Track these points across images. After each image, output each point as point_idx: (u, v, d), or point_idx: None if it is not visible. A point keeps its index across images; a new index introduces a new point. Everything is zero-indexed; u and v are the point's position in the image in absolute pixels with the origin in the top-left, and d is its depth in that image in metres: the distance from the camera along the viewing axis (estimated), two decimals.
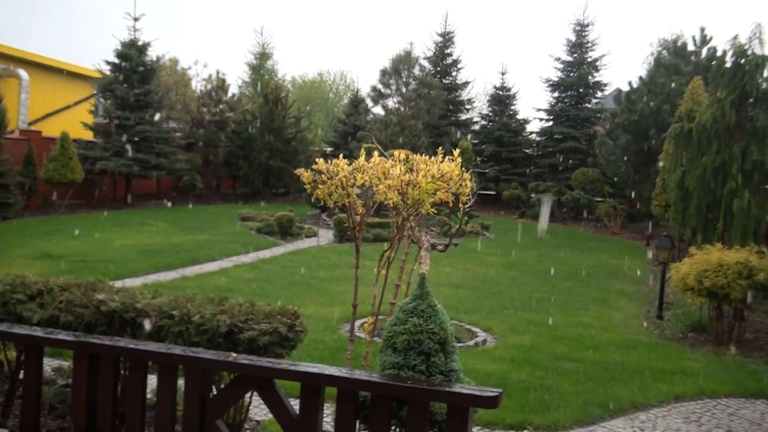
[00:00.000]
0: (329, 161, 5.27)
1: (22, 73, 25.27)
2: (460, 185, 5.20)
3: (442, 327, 4.29)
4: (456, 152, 5.36)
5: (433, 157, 5.28)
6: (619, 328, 11.00)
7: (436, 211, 5.40)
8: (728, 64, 13.58)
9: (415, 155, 5.36)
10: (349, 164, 5.24)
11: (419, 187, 4.85)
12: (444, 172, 5.00)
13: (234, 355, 4.41)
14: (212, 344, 4.79)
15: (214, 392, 4.67)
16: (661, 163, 18.53)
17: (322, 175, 5.16)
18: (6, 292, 5.45)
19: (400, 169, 4.95)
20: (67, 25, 73.81)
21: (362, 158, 5.23)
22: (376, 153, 5.40)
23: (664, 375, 8.43)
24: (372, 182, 5.09)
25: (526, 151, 33.06)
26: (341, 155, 5.51)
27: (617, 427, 6.77)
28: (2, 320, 5.34)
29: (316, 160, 5.31)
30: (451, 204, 5.29)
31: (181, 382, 4.56)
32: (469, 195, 5.33)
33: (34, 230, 17.70)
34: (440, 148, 5.65)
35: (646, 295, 13.78)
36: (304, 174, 5.30)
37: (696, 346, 10.13)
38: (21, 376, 5.34)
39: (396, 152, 5.30)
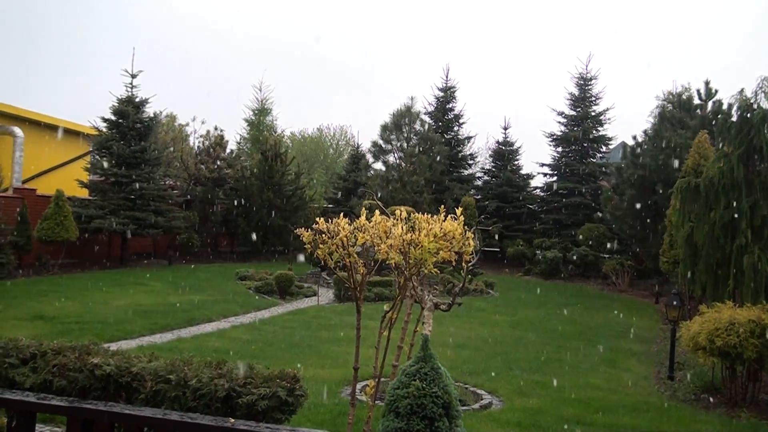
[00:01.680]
0: (330, 220, 5.32)
1: (17, 130, 25.49)
2: (463, 244, 5.24)
3: (446, 390, 4.29)
4: (459, 209, 5.42)
5: (435, 216, 5.33)
6: (629, 389, 10.87)
7: (438, 270, 5.42)
8: (734, 118, 13.68)
9: (416, 213, 5.41)
10: (350, 223, 5.29)
11: (421, 247, 4.89)
12: (446, 230, 5.05)
13: (232, 420, 4.38)
14: (210, 409, 4.78)
15: None
16: (668, 219, 18.57)
17: (323, 235, 5.20)
18: None
19: (402, 228, 5.00)
20: (63, 82, 74.77)
21: (363, 217, 5.28)
22: (377, 211, 5.44)
23: None
24: (373, 241, 5.14)
25: (531, 206, 33.06)
26: (342, 213, 5.56)
27: None
28: None
29: (317, 219, 5.36)
30: (454, 262, 5.32)
31: None
32: (472, 253, 5.37)
33: (27, 291, 17.66)
34: (443, 205, 5.70)
35: (656, 355, 13.67)
36: (304, 233, 5.35)
37: (709, 408, 10.01)
38: None
39: (398, 210, 5.35)
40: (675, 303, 12.10)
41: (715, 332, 9.65)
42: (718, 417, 9.50)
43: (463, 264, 5.33)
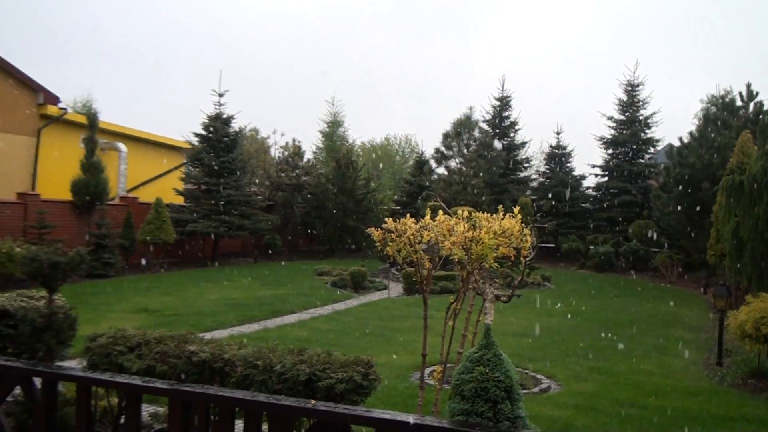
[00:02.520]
0: (398, 220, 5.31)
1: (121, 146, 26.21)
2: (521, 240, 5.18)
3: (508, 375, 4.23)
4: (516, 209, 5.35)
5: (494, 214, 5.28)
6: (679, 374, 10.59)
7: (498, 265, 5.37)
8: None
9: (477, 213, 5.36)
10: (416, 223, 5.28)
11: (482, 243, 4.85)
12: (505, 228, 4.99)
13: (313, 402, 4.41)
14: (292, 392, 4.82)
15: None
16: (715, 215, 18.09)
17: (392, 234, 5.20)
18: (108, 345, 5.60)
19: (464, 226, 4.96)
20: (160, 101, 76.60)
21: (428, 217, 5.26)
22: (440, 211, 5.42)
23: (725, 422, 8.08)
24: (438, 239, 5.11)
25: (584, 205, 32.52)
26: (408, 214, 5.55)
27: None
28: (105, 370, 5.48)
29: (386, 219, 5.36)
30: (513, 257, 5.26)
31: (265, 426, 4.59)
32: (529, 249, 5.30)
33: (132, 287, 18.14)
34: (501, 205, 5.65)
35: (705, 342, 13.28)
36: (375, 232, 5.36)
37: (756, 392, 9.67)
38: (122, 420, 5.45)
39: (460, 210, 5.32)
40: (722, 294, 11.80)
41: (761, 321, 9.41)
42: (763, 401, 9.18)
43: (522, 259, 5.26)
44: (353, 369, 4.87)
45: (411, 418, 4.15)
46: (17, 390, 5.74)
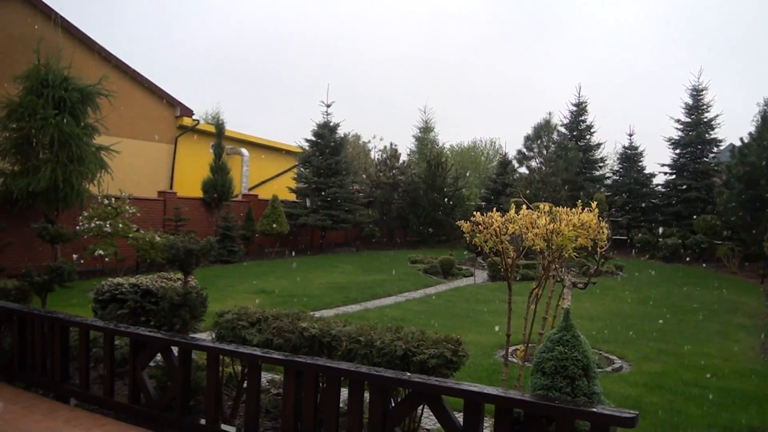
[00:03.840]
0: (484, 214, 5.24)
1: (244, 150, 27.00)
2: (598, 232, 5.01)
3: (585, 355, 4.12)
4: (593, 204, 5.19)
5: (573, 209, 5.13)
6: (738, 358, 10.06)
7: (576, 254, 5.22)
8: None
9: (557, 207, 5.23)
10: (502, 216, 5.19)
11: (562, 235, 4.72)
12: (583, 221, 4.84)
13: (408, 374, 4.41)
14: (390, 365, 4.82)
15: (393, 404, 4.68)
16: None
17: (479, 226, 5.12)
18: (234, 320, 5.77)
19: (546, 219, 4.84)
20: (277, 112, 78.49)
21: (512, 211, 5.16)
22: (524, 206, 5.31)
23: None
24: (521, 231, 5.00)
25: (653, 201, 31.38)
26: (494, 209, 5.45)
27: None
28: (231, 342, 5.65)
29: (474, 213, 5.29)
30: (589, 248, 5.10)
31: (366, 395, 4.62)
32: (605, 240, 5.13)
33: (253, 271, 18.63)
34: (579, 201, 5.49)
35: (763, 329, 12.53)
36: (464, 225, 5.29)
37: None
38: (244, 385, 5.60)
39: (541, 205, 5.19)
40: None
41: None
42: None
43: (598, 249, 5.09)
44: (444, 346, 4.84)
45: (496, 391, 4.09)
46: (158, 357, 6.00)
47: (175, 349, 5.68)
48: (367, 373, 4.49)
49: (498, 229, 4.97)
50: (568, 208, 5.18)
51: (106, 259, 16.24)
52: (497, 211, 5.32)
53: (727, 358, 9.97)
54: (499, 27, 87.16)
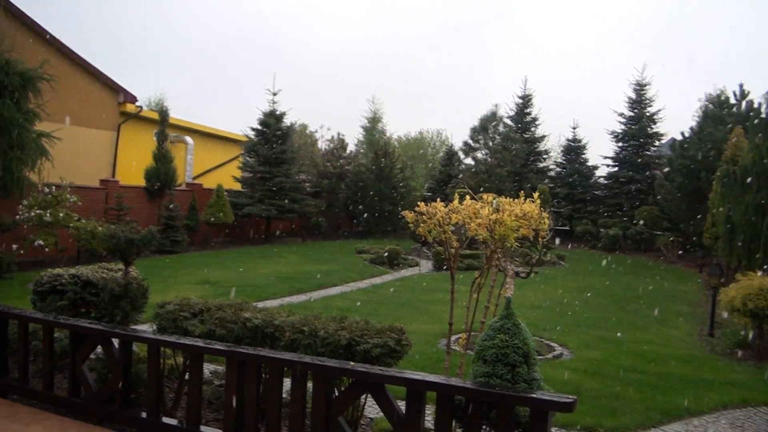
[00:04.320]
0: (429, 204, 5.26)
1: (188, 139, 26.47)
2: (540, 222, 5.10)
3: (525, 342, 4.18)
4: (536, 195, 5.27)
5: (516, 199, 5.20)
6: (676, 343, 10.46)
7: (519, 244, 5.29)
8: (764, 115, 12.99)
9: (500, 198, 5.29)
10: (446, 206, 5.22)
11: (505, 225, 4.78)
12: (526, 211, 4.91)
13: (352, 363, 4.42)
14: (334, 354, 4.82)
15: (336, 394, 4.68)
16: (711, 201, 17.78)
17: (423, 216, 5.14)
18: (175, 311, 5.67)
19: (489, 210, 4.89)
20: (221, 99, 77.26)
21: (456, 201, 5.20)
22: (467, 196, 5.35)
23: (714, 386, 7.99)
24: (464, 221, 5.05)
25: (596, 192, 32.08)
26: (438, 199, 5.48)
27: (674, 431, 6.44)
28: (172, 333, 5.55)
29: (418, 203, 5.31)
30: (531, 238, 5.18)
31: (309, 385, 4.60)
32: (546, 230, 5.21)
33: (197, 262, 18.34)
34: (522, 192, 5.56)
35: (699, 316, 13.06)
36: (408, 215, 5.31)
37: (741, 360, 9.59)
38: (186, 377, 5.52)
39: (486, 196, 5.25)
40: (716, 272, 11.67)
41: (748, 297, 9.30)
42: (748, 368, 9.09)
43: (539, 239, 5.18)
44: (388, 335, 4.86)
45: (438, 379, 4.13)
46: (99, 349, 5.86)
47: (115, 341, 5.56)
48: (310, 363, 4.48)
49: (441, 219, 5.00)
50: (512, 199, 5.24)
51: (47, 249, 15.73)
52: (442, 201, 5.36)
53: (665, 344, 10.34)
54: (445, 20, 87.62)
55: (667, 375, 8.36)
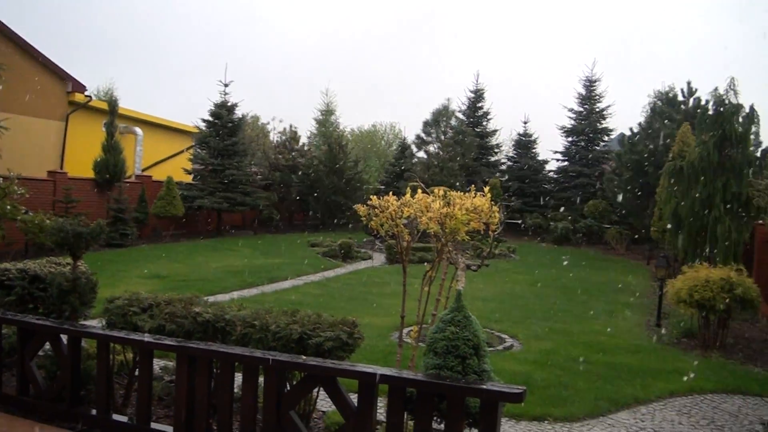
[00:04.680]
0: (381, 198, 5.28)
1: (138, 129, 25.92)
2: (490, 216, 5.16)
3: (476, 334, 4.24)
4: (487, 189, 5.33)
5: (467, 193, 5.26)
6: (624, 334, 10.72)
7: (470, 237, 5.35)
8: (710, 112, 13.37)
9: (452, 191, 5.33)
10: (398, 200, 5.24)
11: (455, 218, 4.83)
12: (476, 205, 4.97)
13: (304, 357, 4.42)
14: (286, 348, 4.80)
15: (288, 388, 4.67)
16: (658, 196, 18.26)
17: (376, 209, 5.16)
18: (124, 306, 5.57)
19: (440, 203, 4.93)
20: (173, 90, 75.81)
21: (408, 195, 5.23)
22: (419, 190, 5.39)
23: (662, 374, 8.23)
24: (416, 214, 5.08)
25: (546, 186, 32.67)
26: (391, 192, 5.51)
27: (622, 419, 6.63)
28: (122, 328, 5.45)
29: (371, 197, 5.32)
30: (482, 231, 5.24)
31: (261, 379, 4.58)
32: (497, 224, 5.28)
33: (146, 255, 18.02)
34: (473, 185, 5.62)
35: (647, 307, 13.41)
36: (360, 209, 5.32)
37: (687, 349, 9.87)
38: (136, 373, 5.43)
39: (437, 189, 5.29)
40: (662, 264, 12.00)
41: (694, 288, 9.56)
42: (694, 357, 9.37)
43: (490, 233, 5.25)
44: (340, 329, 4.87)
45: (390, 371, 4.16)
46: (47, 346, 5.72)
47: (64, 338, 5.44)
48: (261, 358, 4.45)
49: (394, 212, 5.02)
50: (463, 193, 5.30)
51: None
52: (395, 194, 5.38)
53: (613, 335, 10.59)
54: (399, 15, 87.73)
55: (615, 365, 8.57)
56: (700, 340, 10.19)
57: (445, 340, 4.19)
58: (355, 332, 4.89)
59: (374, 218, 5.18)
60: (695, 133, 15.42)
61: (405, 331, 6.91)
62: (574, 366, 8.41)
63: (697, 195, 12.70)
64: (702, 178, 12.69)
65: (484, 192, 5.23)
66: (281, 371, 4.48)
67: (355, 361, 4.76)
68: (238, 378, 4.68)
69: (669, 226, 13.90)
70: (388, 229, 5.18)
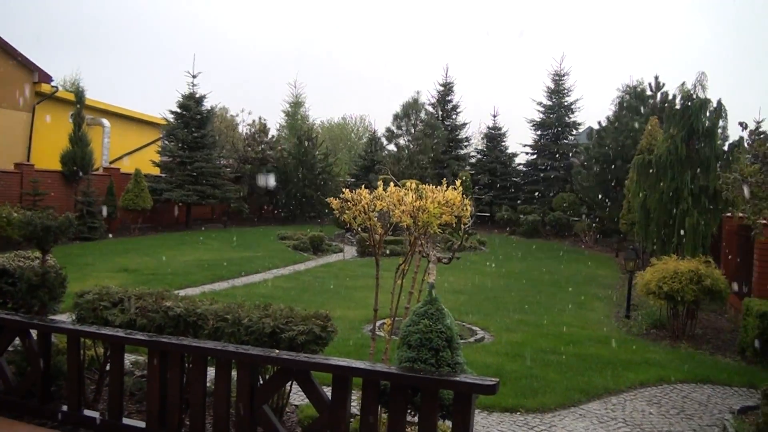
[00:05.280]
0: (353, 191, 5.27)
1: (105, 121, 25.48)
2: (462, 209, 5.19)
3: (448, 327, 4.26)
4: (458, 182, 5.36)
5: (439, 186, 5.28)
6: (594, 326, 10.83)
7: (441, 231, 5.37)
8: (678, 106, 13.55)
9: (424, 185, 5.35)
10: (370, 193, 5.24)
11: (428, 212, 4.84)
12: (448, 198, 4.99)
13: (277, 351, 4.40)
14: (259, 342, 4.78)
15: (261, 382, 4.65)
16: (627, 189, 18.51)
17: (348, 203, 5.15)
18: (95, 300, 5.49)
19: (412, 197, 4.94)
20: (139, 81, 74.67)
21: (381, 188, 5.23)
22: (391, 183, 5.40)
23: (631, 365, 8.33)
24: (389, 208, 5.09)
25: (515, 179, 32.85)
26: (363, 185, 5.51)
27: (593, 409, 6.70)
28: (92, 323, 5.37)
29: (343, 189, 5.32)
30: (454, 224, 5.27)
31: (234, 373, 4.56)
32: (469, 217, 5.32)
33: (114, 249, 17.76)
34: (444, 179, 5.65)
35: (616, 299, 13.60)
36: (333, 202, 5.31)
37: (657, 340, 9.99)
38: (107, 368, 5.36)
39: (408, 182, 5.30)
40: (631, 257, 12.16)
41: (663, 280, 9.67)
42: (663, 347, 9.52)
43: (462, 226, 5.28)
44: (313, 322, 4.86)
45: (363, 365, 4.17)
46: (17, 341, 5.62)
47: (34, 333, 5.34)
48: (234, 352, 4.43)
49: (366, 206, 5.02)
50: (435, 186, 5.32)
51: None
52: (366, 187, 5.38)
53: (583, 326, 10.71)
54: (369, 6, 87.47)
55: (586, 356, 8.65)
56: (669, 331, 10.33)
57: (418, 333, 4.20)
58: (329, 326, 4.89)
59: (347, 212, 5.17)
60: (663, 127, 15.65)
61: (378, 323, 6.91)
62: (545, 357, 8.50)
63: (665, 188, 12.89)
64: (670, 171, 12.88)
65: (455, 185, 5.25)
66: (254, 365, 4.46)
67: (328, 355, 4.76)
68: (211, 372, 4.65)
69: (638, 218, 14.09)
70: (361, 222, 5.18)
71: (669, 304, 10.09)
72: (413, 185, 5.25)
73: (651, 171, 13.33)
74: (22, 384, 5.40)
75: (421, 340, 4.19)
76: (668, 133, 13.44)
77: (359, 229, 5.36)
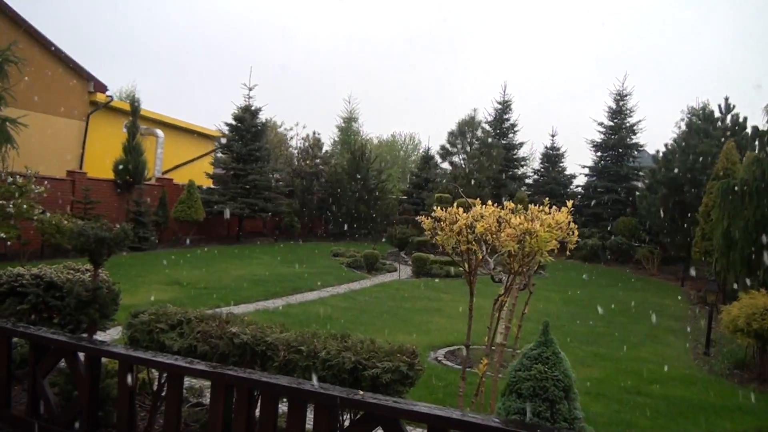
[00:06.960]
0: (445, 209, 4.65)
1: (159, 131, 25.52)
2: (568, 233, 4.53)
3: (566, 374, 3.62)
4: (569, 203, 4.70)
5: (541, 207, 4.63)
6: (672, 362, 10.00)
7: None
8: (759, 128, 12.68)
9: (486, 205, 4.70)
10: (465, 212, 4.62)
11: (538, 236, 4.19)
12: (558, 221, 4.34)
13: (362, 393, 3.78)
14: (337, 379, 4.18)
15: (339, 425, 4.04)
16: (700, 214, 17.50)
17: (442, 223, 4.53)
18: (151, 322, 4.98)
19: (519, 218, 4.30)
20: (196, 93, 75.85)
21: (478, 207, 4.59)
22: (478, 201, 4.77)
23: (724, 412, 7.54)
24: (491, 230, 4.44)
25: (574, 201, 31.89)
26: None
27: None
28: (146, 347, 4.87)
29: (434, 207, 4.70)
30: (556, 251, 4.61)
31: (310, 415, 3.96)
32: (575, 242, 4.65)
33: (166, 260, 17.48)
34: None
35: (690, 332, 12.68)
36: (425, 221, 4.69)
37: (743, 383, 9.17)
38: (161, 394, 4.84)
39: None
40: (714, 289, 11.35)
41: (752, 316, 8.94)
42: (753, 392, 8.64)
43: (567, 252, 4.61)
44: (398, 358, 4.24)
45: (473, 417, 3.51)
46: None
47: (82, 355, 4.85)
48: (312, 392, 3.82)
49: (464, 226, 4.39)
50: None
51: (8, 243, 14.78)
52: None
53: (662, 363, 9.86)
54: (427, 26, 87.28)
55: (673, 398, 7.89)
56: (755, 373, 9.53)
57: (531, 380, 3.56)
58: (416, 363, 4.26)
59: (440, 233, 4.54)
60: (741, 151, 14.71)
61: (443, 351, 6.23)
62: (629, 398, 7.74)
63: (751, 216, 11.97)
64: (756, 198, 11.98)
65: (513, 207, 4.60)
66: (335, 408, 3.85)
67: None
68: (281, 407, 4.07)
69: (720, 247, 13.12)
70: (455, 245, 4.53)
71: (757, 343, 9.27)
72: (511, 206, 4.61)
73: (736, 197, 12.42)
74: (66, 410, 4.91)
75: (534, 388, 3.54)
76: (753, 157, 12.53)
77: (453, 253, 4.71)
